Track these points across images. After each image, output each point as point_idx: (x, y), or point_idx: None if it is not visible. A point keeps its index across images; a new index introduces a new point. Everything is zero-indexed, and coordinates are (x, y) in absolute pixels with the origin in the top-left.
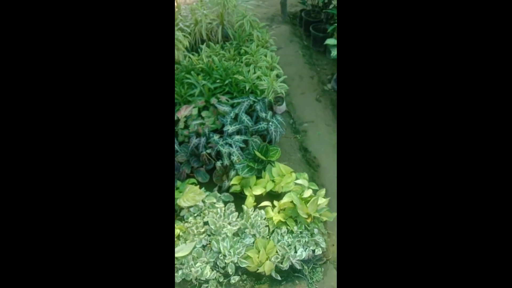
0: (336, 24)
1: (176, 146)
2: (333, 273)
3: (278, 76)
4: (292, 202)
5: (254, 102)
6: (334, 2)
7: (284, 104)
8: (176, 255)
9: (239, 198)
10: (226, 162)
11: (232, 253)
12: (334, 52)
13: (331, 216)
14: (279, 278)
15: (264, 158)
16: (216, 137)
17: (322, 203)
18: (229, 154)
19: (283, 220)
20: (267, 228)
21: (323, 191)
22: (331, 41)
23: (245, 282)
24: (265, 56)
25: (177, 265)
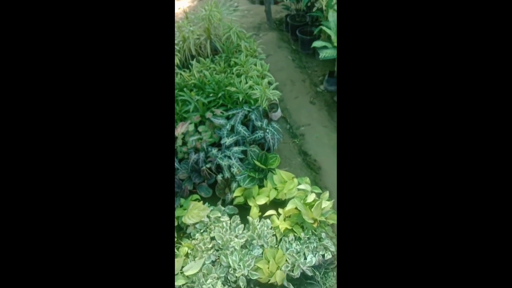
0: (321, 26)
1: (176, 164)
2: None
3: (270, 83)
4: (296, 208)
5: (248, 111)
6: (317, 5)
7: (279, 110)
8: (186, 273)
9: (243, 210)
10: (227, 174)
11: (242, 266)
12: (322, 54)
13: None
14: (291, 287)
15: (264, 166)
16: (214, 150)
17: (327, 206)
18: (229, 167)
19: (290, 228)
20: (275, 237)
21: (326, 194)
22: (318, 43)
23: None
24: (255, 65)
25: (188, 284)
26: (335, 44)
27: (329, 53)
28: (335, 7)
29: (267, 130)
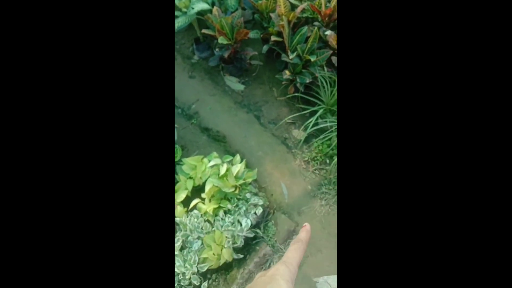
0: None
1: None
2: (282, 218)
3: None
4: (214, 185)
5: None
6: None
7: None
8: None
9: None
10: None
11: (189, 266)
12: (176, 25)
13: (254, 174)
14: (241, 256)
15: None
16: None
17: (240, 168)
18: None
19: (217, 206)
20: (207, 222)
21: (237, 157)
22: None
23: (216, 281)
24: None
25: None
26: (184, 10)
27: (180, 21)
28: None
29: None
